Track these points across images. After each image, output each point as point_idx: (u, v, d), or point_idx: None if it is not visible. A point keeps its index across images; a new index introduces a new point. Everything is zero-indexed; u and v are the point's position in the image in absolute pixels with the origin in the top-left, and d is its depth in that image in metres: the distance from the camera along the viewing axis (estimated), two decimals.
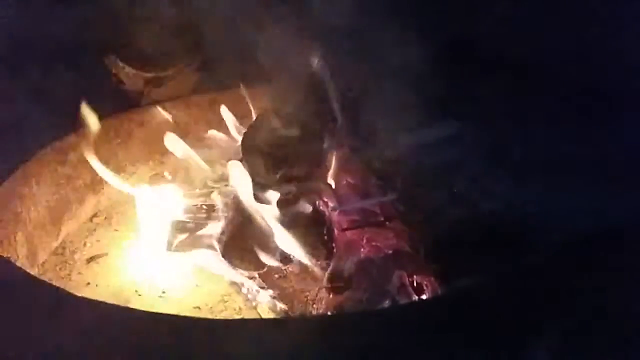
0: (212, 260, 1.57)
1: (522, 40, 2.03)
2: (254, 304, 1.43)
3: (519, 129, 1.73)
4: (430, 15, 2.02)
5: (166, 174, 1.90)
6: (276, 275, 1.55)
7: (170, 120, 2.01)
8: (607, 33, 1.93)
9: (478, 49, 2.10)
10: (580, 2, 2.00)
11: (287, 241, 1.46)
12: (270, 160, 1.52)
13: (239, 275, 1.50)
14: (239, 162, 1.51)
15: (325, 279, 1.37)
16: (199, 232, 1.60)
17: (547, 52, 2.02)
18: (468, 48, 2.10)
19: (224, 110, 1.88)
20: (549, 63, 1.99)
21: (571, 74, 1.91)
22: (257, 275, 1.50)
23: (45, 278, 1.52)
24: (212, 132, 1.91)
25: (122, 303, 1.44)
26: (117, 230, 1.81)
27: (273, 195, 1.47)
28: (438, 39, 1.92)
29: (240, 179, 1.48)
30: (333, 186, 1.58)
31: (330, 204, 1.54)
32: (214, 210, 1.67)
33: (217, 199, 1.71)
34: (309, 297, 1.46)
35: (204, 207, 1.74)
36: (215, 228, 1.61)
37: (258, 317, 1.39)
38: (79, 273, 1.60)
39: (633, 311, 1.02)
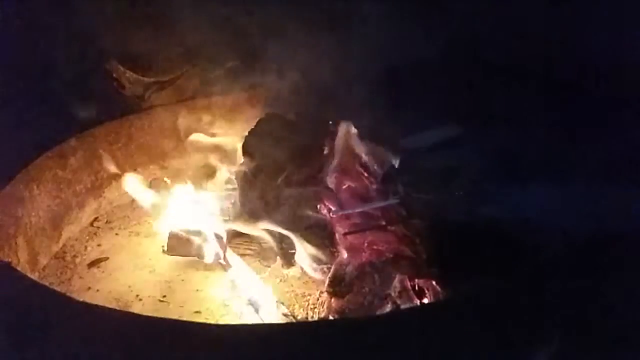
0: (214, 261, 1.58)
1: (523, 41, 2.04)
2: (255, 308, 1.42)
3: (520, 132, 1.73)
4: (431, 15, 2.03)
5: (166, 178, 1.90)
6: (277, 279, 1.55)
7: (171, 124, 2.01)
8: (607, 34, 1.93)
9: (478, 51, 2.10)
10: (581, 3, 2.00)
11: (288, 245, 1.46)
12: (272, 164, 1.52)
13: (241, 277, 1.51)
14: None
15: (326, 283, 1.37)
16: (199, 236, 1.60)
17: (548, 53, 2.02)
18: (468, 50, 2.10)
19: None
20: (549, 65, 2.00)
21: (572, 75, 1.91)
22: (258, 279, 1.50)
23: (46, 282, 1.52)
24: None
25: (123, 307, 1.45)
26: (118, 235, 1.80)
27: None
28: (438, 40, 1.93)
29: None
30: (334, 190, 1.58)
31: (332, 208, 1.54)
32: (215, 213, 1.68)
33: (218, 202, 1.72)
34: (310, 302, 1.46)
35: (205, 210, 1.74)
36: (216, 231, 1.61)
37: (260, 321, 1.38)
38: (80, 277, 1.60)
39: (633, 313, 1.02)
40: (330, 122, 1.69)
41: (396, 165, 1.57)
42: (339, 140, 1.57)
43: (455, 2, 2.18)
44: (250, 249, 1.49)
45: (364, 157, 1.57)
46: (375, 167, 1.57)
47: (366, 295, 1.30)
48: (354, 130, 1.58)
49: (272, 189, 1.50)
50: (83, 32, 1.89)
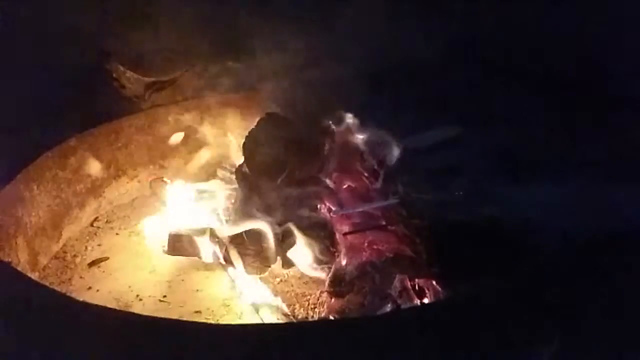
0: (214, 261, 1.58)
1: (522, 41, 2.04)
2: (255, 308, 1.42)
3: (520, 132, 1.73)
4: (431, 15, 2.03)
5: (165, 178, 1.90)
6: (277, 279, 1.55)
7: (171, 124, 2.01)
8: (607, 33, 1.93)
9: (478, 51, 2.10)
10: (581, 2, 2.00)
11: (288, 245, 1.46)
12: (272, 164, 1.52)
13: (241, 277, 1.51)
14: None
15: (326, 283, 1.37)
16: (199, 236, 1.60)
17: (547, 52, 2.02)
18: (468, 50, 2.10)
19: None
20: (549, 64, 2.00)
21: (572, 74, 1.91)
22: (258, 279, 1.50)
23: (46, 282, 1.52)
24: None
25: (123, 307, 1.45)
26: (118, 235, 1.80)
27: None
28: (439, 40, 1.93)
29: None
30: (334, 190, 1.58)
31: (332, 208, 1.54)
32: (215, 213, 1.68)
33: (218, 202, 1.72)
34: (310, 301, 1.46)
35: (205, 209, 1.74)
36: (217, 231, 1.61)
37: (260, 321, 1.39)
38: (80, 277, 1.60)
39: (633, 314, 1.02)
40: (331, 123, 1.69)
41: (398, 153, 1.57)
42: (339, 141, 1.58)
43: (455, 2, 2.18)
44: (250, 249, 1.48)
45: (363, 147, 1.57)
46: (374, 161, 1.57)
47: (366, 295, 1.30)
48: (351, 121, 1.59)
49: (272, 189, 1.50)
50: (83, 32, 1.89)
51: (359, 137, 1.63)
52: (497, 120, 1.78)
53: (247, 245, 1.48)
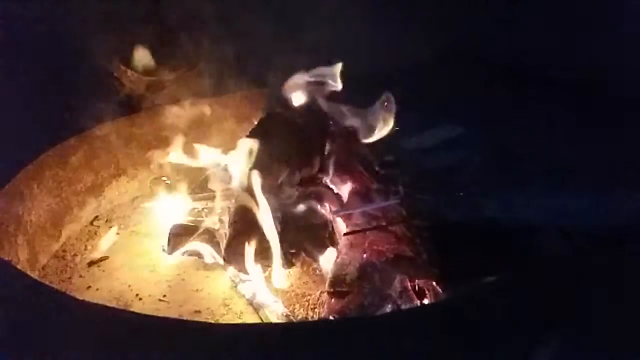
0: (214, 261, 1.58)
1: (523, 42, 2.04)
2: (255, 308, 1.42)
3: (521, 132, 1.73)
4: (431, 15, 2.03)
5: (164, 178, 1.90)
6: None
7: (171, 124, 2.01)
8: (607, 33, 1.93)
9: (479, 51, 2.10)
10: (582, 3, 2.01)
11: (288, 245, 1.46)
12: (273, 163, 1.52)
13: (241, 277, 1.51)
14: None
15: (327, 283, 1.37)
16: (200, 235, 1.60)
17: (547, 53, 2.03)
18: (469, 50, 2.10)
19: None
20: (549, 65, 2.00)
21: (572, 75, 1.92)
22: (258, 279, 1.50)
23: (46, 281, 1.52)
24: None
25: (123, 307, 1.45)
26: (118, 234, 1.80)
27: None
28: (439, 40, 1.93)
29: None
30: (335, 190, 1.58)
31: (333, 208, 1.54)
32: (215, 214, 1.68)
33: (218, 203, 1.72)
34: (310, 301, 1.46)
35: (205, 210, 1.74)
36: (216, 231, 1.61)
37: (259, 321, 1.39)
38: (80, 276, 1.60)
39: (633, 313, 1.02)
40: (331, 123, 1.69)
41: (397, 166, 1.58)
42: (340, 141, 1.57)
43: (455, 2, 2.18)
44: (250, 249, 1.48)
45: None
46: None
47: (366, 295, 1.30)
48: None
49: (272, 189, 1.50)
50: (84, 32, 1.89)
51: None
52: (497, 120, 1.79)
53: (247, 245, 1.48)
